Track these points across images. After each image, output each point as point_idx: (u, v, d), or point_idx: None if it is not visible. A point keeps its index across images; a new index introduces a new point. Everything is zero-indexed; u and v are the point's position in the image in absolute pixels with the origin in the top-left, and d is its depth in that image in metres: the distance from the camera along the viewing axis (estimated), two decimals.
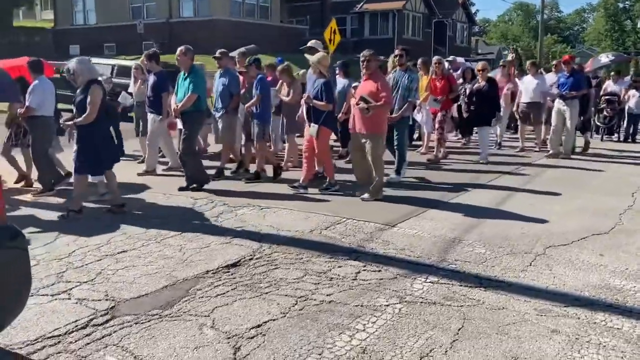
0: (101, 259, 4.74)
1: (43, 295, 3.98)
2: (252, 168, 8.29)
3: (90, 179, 6.51)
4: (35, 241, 5.16)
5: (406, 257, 4.81)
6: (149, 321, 3.58)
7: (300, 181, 7.30)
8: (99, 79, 6.35)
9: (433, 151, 10.13)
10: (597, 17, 76.02)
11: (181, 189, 7.23)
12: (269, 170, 8.12)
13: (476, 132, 10.66)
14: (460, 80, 11.44)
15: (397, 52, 8.10)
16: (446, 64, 13.56)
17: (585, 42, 74.69)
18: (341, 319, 3.63)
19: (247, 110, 8.06)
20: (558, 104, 10.28)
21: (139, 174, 8.27)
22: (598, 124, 14.75)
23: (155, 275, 4.37)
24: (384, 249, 5.01)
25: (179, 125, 7.53)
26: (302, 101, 7.64)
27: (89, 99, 5.86)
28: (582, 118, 10.95)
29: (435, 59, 10.03)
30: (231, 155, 8.72)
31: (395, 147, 7.96)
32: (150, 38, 26.58)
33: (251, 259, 4.73)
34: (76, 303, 3.85)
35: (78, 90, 6.06)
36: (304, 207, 6.46)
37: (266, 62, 10.56)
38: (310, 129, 7.15)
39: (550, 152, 10.51)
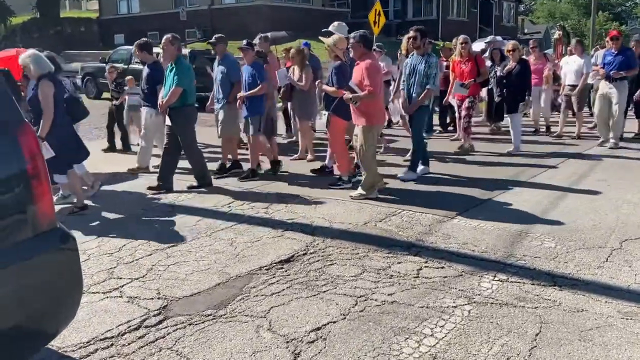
0: (152, 254, 4.61)
1: (94, 292, 3.86)
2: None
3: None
4: (83, 235, 5.09)
5: (470, 253, 4.50)
6: (203, 322, 3.41)
7: (340, 175, 6.81)
8: (58, 73, 6.01)
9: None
10: None
11: (191, 187, 6.76)
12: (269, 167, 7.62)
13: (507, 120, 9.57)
14: (489, 63, 10.77)
15: (410, 33, 7.18)
16: (480, 45, 12.92)
17: (639, 19, 71.38)
18: (406, 321, 3.37)
19: (240, 100, 7.17)
20: (603, 86, 9.06)
21: (129, 170, 7.67)
22: None
23: (207, 271, 4.20)
24: (445, 244, 4.72)
25: (167, 121, 6.79)
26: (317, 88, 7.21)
27: (40, 96, 5.47)
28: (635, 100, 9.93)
29: (460, 38, 9.10)
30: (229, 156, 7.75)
31: (411, 140, 7.28)
32: (193, 25, 26.65)
33: (305, 254, 4.52)
34: (128, 302, 3.72)
35: (29, 87, 5.73)
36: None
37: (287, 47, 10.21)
38: (322, 118, 6.73)
39: (602, 139, 9.34)
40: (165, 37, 6.68)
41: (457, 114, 9.44)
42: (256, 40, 8.22)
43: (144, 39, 7.54)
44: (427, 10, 35.54)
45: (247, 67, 7.11)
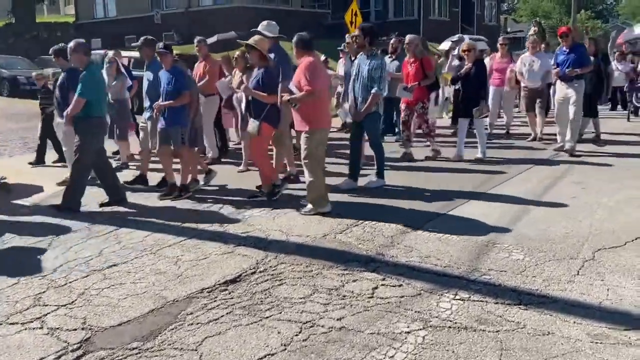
0: (88, 275, 4.23)
1: (12, 323, 3.48)
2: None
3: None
4: (24, 254, 4.70)
5: (432, 267, 4.17)
6: (125, 358, 3.04)
7: (261, 187, 6.32)
8: None
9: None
10: None
11: (53, 206, 6.10)
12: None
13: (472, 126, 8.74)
14: (456, 62, 10.49)
15: (355, 31, 6.69)
16: (447, 45, 12.46)
17: (620, 17, 71.80)
18: (352, 352, 3.03)
19: (157, 110, 6.49)
20: (560, 87, 8.40)
21: (58, 184, 7.03)
22: (637, 104, 13.77)
23: (143, 295, 3.83)
24: (406, 257, 4.38)
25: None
26: (241, 92, 6.53)
27: None
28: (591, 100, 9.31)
29: (407, 37, 8.42)
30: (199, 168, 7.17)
31: (372, 148, 6.79)
32: (170, 28, 26.19)
33: (254, 272, 4.16)
34: (47, 334, 3.33)
35: None
36: None
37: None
38: (250, 126, 6.08)
39: (558, 145, 8.71)
40: (68, 46, 6.10)
41: (402, 119, 8.68)
42: (211, 40, 7.77)
43: (60, 44, 6.75)
44: (408, 10, 35.28)
45: (165, 73, 6.42)
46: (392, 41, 9.86)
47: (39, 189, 7.06)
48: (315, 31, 28.72)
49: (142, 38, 7.03)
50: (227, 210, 5.91)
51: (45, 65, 22.00)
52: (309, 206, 5.66)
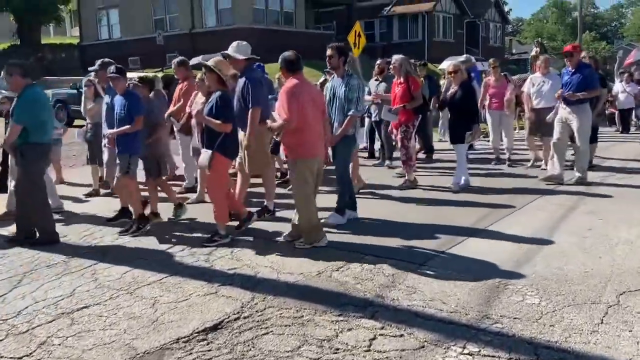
0: (54, 320, 3.81)
1: None
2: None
3: None
4: None
5: (437, 313, 3.72)
6: None
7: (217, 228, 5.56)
8: None
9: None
10: (637, 11, 72.95)
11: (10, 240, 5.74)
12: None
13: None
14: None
15: (328, 51, 6.02)
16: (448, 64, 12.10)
17: (625, 38, 71.73)
18: None
19: (109, 139, 6.14)
20: (562, 110, 7.69)
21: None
22: None
23: (111, 345, 3.40)
24: (408, 300, 3.94)
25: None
26: (193, 118, 6.02)
27: None
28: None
29: (393, 58, 7.98)
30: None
31: (336, 177, 6.15)
32: (173, 50, 26.04)
33: (237, 317, 3.73)
34: None
35: None
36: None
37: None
38: (201, 157, 5.45)
39: (548, 174, 7.92)
40: (2, 71, 5.74)
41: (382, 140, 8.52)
42: (195, 60, 7.36)
43: (14, 61, 6.11)
44: (412, 32, 35.21)
45: (119, 98, 5.96)
46: (378, 62, 9.45)
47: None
48: (318, 52, 28.62)
49: (98, 61, 6.64)
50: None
51: (49, 87, 21.85)
52: (303, 239, 5.24)
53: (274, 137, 5.39)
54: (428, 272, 4.50)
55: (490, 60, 10.00)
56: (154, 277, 4.55)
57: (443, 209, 6.70)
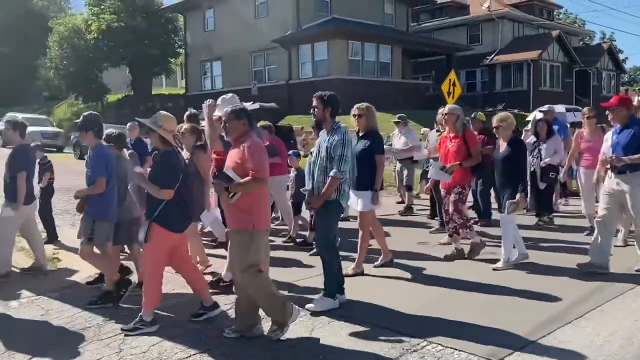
0: None
1: None
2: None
3: None
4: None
5: None
6: None
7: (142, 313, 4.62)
8: None
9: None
10: None
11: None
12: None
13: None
14: (533, 138, 8.92)
15: (313, 102, 5.19)
16: (537, 115, 10.73)
17: None
18: None
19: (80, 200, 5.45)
20: (609, 180, 6.07)
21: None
22: None
23: None
24: None
25: None
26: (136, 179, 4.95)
27: None
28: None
29: (446, 108, 7.03)
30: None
31: (319, 251, 5.27)
32: (270, 100, 26.55)
33: None
34: None
35: None
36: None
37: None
38: (141, 230, 4.69)
39: (588, 261, 6.09)
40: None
41: (444, 207, 7.08)
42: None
43: (15, 116, 6.03)
44: (517, 81, 33.78)
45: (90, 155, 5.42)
46: (440, 111, 8.10)
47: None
48: (415, 102, 28.09)
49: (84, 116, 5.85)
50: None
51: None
52: (273, 327, 4.37)
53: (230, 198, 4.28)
54: None
55: (585, 110, 8.20)
56: (180, 354, 3.99)
57: (503, 292, 5.60)
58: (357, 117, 6.01)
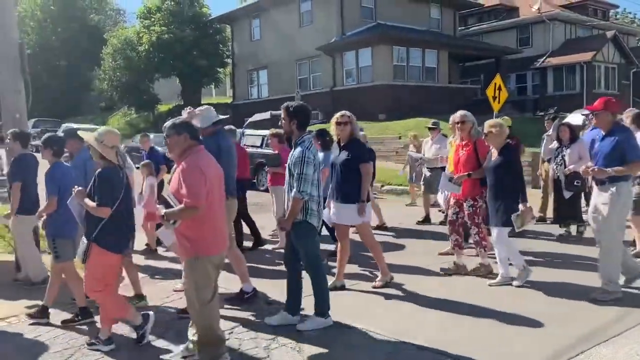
0: None
1: None
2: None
3: None
4: None
5: None
6: None
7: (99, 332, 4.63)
8: None
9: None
10: None
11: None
12: None
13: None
14: (555, 144, 8.42)
15: (281, 114, 4.94)
16: (577, 119, 10.09)
17: None
18: None
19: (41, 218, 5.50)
20: (594, 192, 5.63)
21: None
22: None
23: None
24: None
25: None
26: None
27: None
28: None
29: (457, 115, 6.60)
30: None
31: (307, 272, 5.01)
32: (315, 107, 26.63)
33: None
34: None
35: None
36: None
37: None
38: (79, 249, 4.52)
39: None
40: None
41: (449, 217, 6.82)
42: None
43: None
44: (569, 83, 32.63)
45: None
46: (452, 117, 7.45)
47: None
48: (463, 107, 27.36)
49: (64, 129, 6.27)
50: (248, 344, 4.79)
51: None
52: (193, 350, 4.16)
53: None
54: None
55: (625, 113, 7.14)
56: None
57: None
58: (341, 125, 5.76)
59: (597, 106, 5.47)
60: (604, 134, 5.43)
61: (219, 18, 35.23)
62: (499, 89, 16.07)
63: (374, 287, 5.96)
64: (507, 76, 30.53)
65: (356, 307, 5.44)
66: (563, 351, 4.12)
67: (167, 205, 3.96)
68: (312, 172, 4.72)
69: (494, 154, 6.02)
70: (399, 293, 5.85)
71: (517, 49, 32.91)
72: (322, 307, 4.86)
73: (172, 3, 34.55)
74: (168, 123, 4.17)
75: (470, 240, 6.66)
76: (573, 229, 8.35)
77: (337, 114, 5.90)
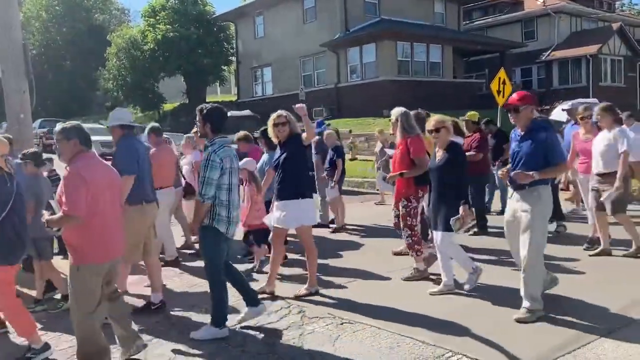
0: None
1: None
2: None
3: None
4: None
5: None
6: None
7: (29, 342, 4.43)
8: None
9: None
10: None
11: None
12: None
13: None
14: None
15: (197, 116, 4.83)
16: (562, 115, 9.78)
17: None
18: None
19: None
20: (511, 198, 5.10)
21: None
22: None
23: None
24: None
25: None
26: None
27: None
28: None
29: (394, 110, 6.22)
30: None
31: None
32: (319, 104, 26.64)
33: None
34: None
35: None
36: (398, 321, 4.54)
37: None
38: None
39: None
40: None
41: (393, 220, 6.47)
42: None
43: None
44: (575, 77, 32.46)
45: None
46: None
47: None
48: (466, 101, 27.38)
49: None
50: (290, 319, 4.82)
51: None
52: None
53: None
54: None
55: (580, 109, 7.14)
56: None
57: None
58: (279, 126, 5.49)
59: (512, 101, 4.88)
60: (521, 132, 4.87)
61: (223, 16, 35.27)
62: (504, 83, 16.07)
63: (296, 297, 5.55)
64: (512, 70, 30.42)
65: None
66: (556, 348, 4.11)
67: (53, 212, 3.91)
68: (218, 175, 4.52)
69: (439, 152, 5.58)
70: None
71: (522, 42, 32.79)
72: (216, 318, 4.65)
73: (177, 1, 34.62)
74: (58, 127, 4.03)
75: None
76: (551, 226, 7.77)
77: (274, 115, 5.60)
